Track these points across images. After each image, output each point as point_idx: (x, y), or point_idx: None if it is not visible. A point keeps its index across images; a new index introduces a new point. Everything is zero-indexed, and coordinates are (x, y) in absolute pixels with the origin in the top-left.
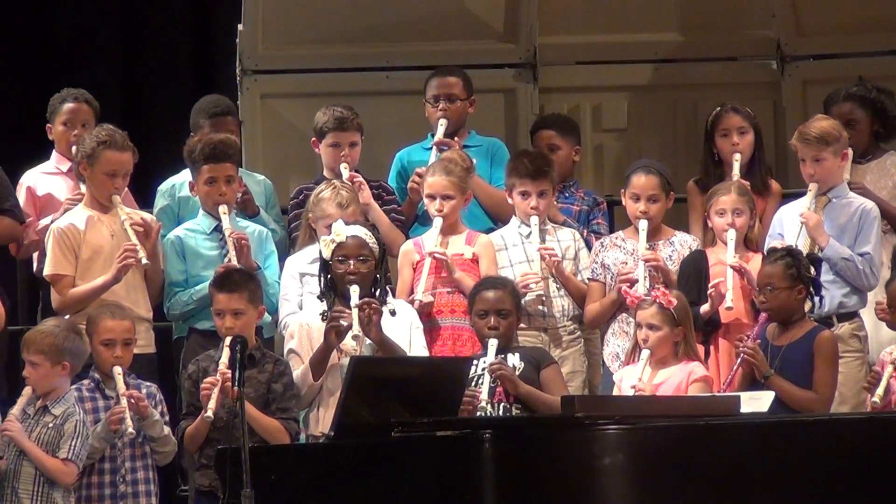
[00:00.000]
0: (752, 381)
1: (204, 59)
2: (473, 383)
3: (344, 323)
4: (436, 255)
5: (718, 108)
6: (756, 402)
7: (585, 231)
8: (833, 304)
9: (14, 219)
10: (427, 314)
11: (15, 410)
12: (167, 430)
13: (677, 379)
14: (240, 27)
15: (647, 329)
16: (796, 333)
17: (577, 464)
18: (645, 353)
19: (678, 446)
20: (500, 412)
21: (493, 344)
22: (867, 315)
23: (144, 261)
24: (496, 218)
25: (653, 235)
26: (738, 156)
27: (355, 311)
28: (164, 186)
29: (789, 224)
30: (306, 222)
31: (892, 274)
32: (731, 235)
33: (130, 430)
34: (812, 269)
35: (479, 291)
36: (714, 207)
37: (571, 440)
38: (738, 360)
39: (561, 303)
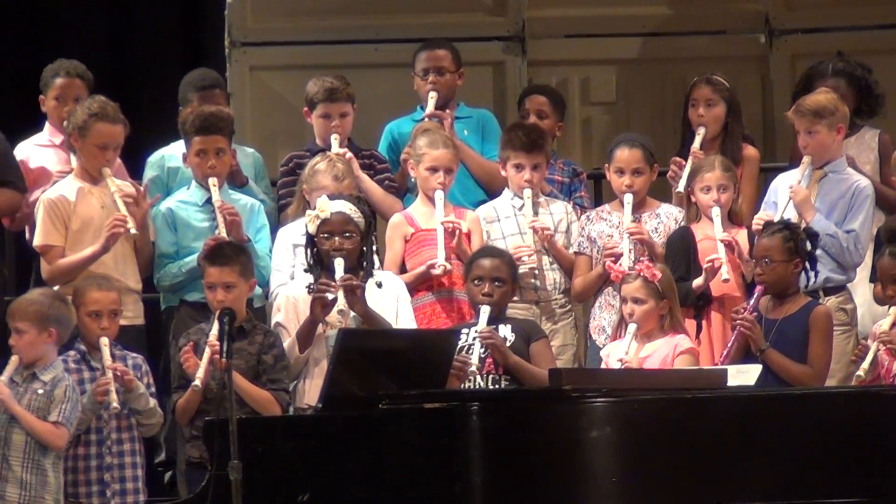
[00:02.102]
0: (746, 354)
1: (193, 31)
2: (465, 351)
3: (329, 296)
4: (453, 223)
5: (697, 78)
6: (743, 376)
7: (572, 203)
8: (820, 279)
9: (16, 190)
10: (439, 283)
11: (3, 377)
12: (153, 402)
13: (663, 352)
14: None
15: (633, 303)
16: (791, 307)
17: (564, 436)
18: (631, 327)
19: (665, 419)
20: (489, 384)
21: (485, 311)
22: (860, 289)
23: (133, 231)
24: (487, 189)
25: (638, 208)
26: (701, 129)
27: (340, 286)
28: (154, 157)
29: (784, 193)
30: (300, 193)
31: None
32: (717, 212)
33: (115, 404)
34: (809, 244)
35: (476, 259)
36: (699, 184)
37: (559, 413)
38: (735, 334)
39: (553, 276)
